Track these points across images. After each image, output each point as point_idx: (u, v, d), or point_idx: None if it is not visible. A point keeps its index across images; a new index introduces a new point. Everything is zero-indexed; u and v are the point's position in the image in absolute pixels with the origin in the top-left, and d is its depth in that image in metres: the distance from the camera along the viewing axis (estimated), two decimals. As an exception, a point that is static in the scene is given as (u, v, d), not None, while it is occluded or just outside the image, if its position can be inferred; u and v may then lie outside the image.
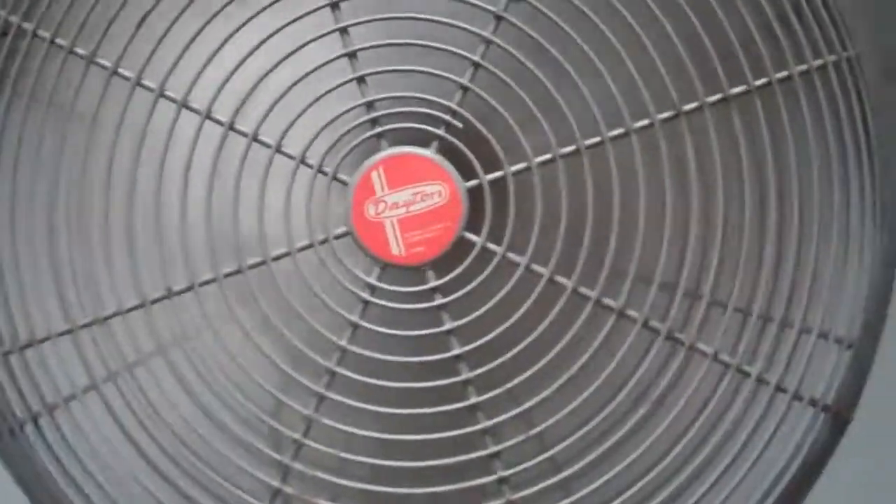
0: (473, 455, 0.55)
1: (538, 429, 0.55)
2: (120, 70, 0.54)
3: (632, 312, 0.55)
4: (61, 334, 0.55)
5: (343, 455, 0.55)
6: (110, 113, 0.55)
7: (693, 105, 0.53)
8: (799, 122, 0.54)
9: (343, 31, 0.53)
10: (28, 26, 0.55)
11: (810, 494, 0.57)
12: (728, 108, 0.54)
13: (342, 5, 0.53)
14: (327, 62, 0.53)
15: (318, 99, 0.53)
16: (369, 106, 0.54)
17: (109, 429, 0.56)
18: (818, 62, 0.54)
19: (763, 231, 0.55)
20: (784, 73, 0.54)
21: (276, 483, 0.55)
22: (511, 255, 0.54)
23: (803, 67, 0.54)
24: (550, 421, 0.55)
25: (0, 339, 0.56)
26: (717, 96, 0.53)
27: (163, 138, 0.54)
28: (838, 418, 0.56)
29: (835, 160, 0.55)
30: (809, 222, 0.55)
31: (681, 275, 0.55)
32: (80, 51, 0.54)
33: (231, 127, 0.54)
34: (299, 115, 0.53)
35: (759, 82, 0.54)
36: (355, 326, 0.54)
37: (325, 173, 0.54)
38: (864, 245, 0.57)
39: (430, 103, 0.53)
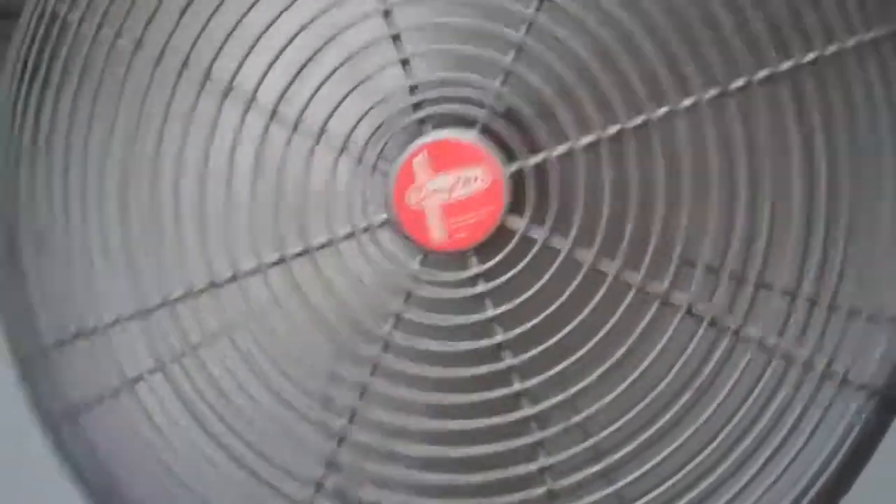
0: (519, 442, 0.54)
1: (580, 416, 0.55)
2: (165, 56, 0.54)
3: (676, 298, 0.54)
4: (110, 325, 0.56)
5: (388, 445, 0.54)
6: (156, 100, 0.55)
7: (741, 82, 0.53)
8: (849, 100, 0.53)
9: (386, 13, 0.53)
10: (74, 16, 0.55)
11: (858, 479, 0.56)
12: (777, 85, 0.53)
13: (385, -10, 0.53)
14: (370, 44, 0.53)
15: (362, 82, 0.53)
16: (413, 89, 0.54)
17: (159, 417, 0.56)
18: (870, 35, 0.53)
19: (812, 212, 0.54)
20: (834, 48, 0.53)
21: (321, 470, 0.55)
22: (553, 242, 0.54)
23: (854, 41, 0.53)
24: (592, 409, 0.54)
25: (52, 330, 0.56)
26: (765, 72, 0.52)
27: (207, 125, 0.54)
28: (888, 402, 0.55)
29: (888, 141, 0.54)
30: (859, 203, 0.54)
31: (726, 259, 0.54)
32: (124, 41, 0.55)
33: (273, 115, 0.54)
34: (341, 101, 0.53)
35: (807, 58, 0.53)
36: (398, 316, 0.54)
37: (366, 161, 0.54)
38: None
39: (472, 86, 0.53)
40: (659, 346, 0.54)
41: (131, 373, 0.56)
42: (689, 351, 0.54)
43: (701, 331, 0.54)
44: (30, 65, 0.56)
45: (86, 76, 0.55)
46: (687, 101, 0.52)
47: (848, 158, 0.53)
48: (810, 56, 0.52)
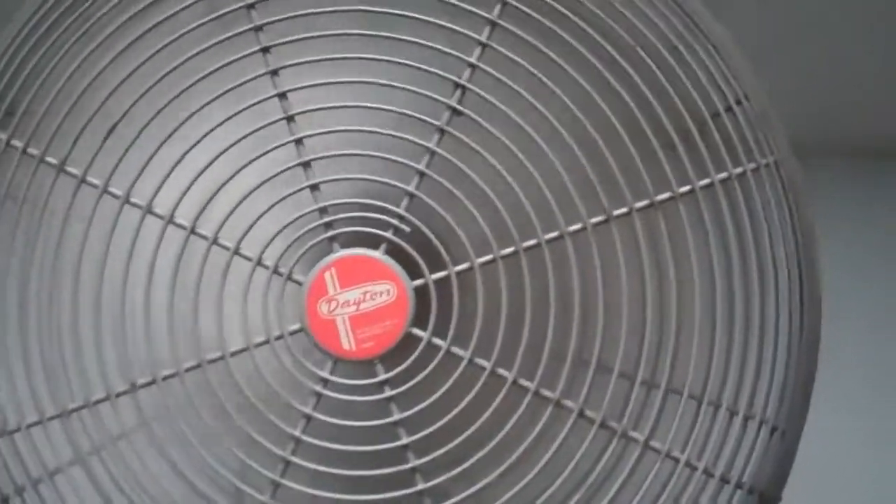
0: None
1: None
2: (88, 178, 0.58)
3: (568, 403, 0.58)
4: (31, 426, 0.58)
5: (298, 540, 0.58)
6: (79, 215, 0.58)
7: (623, 210, 0.58)
8: (739, 219, 0.59)
9: (298, 141, 0.57)
10: (1, 136, 0.58)
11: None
12: (656, 213, 0.58)
13: (297, 118, 0.57)
14: (282, 172, 0.57)
15: (272, 207, 0.57)
16: (322, 211, 0.58)
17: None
18: (740, 169, 0.58)
19: (694, 321, 0.59)
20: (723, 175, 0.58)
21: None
22: (455, 350, 0.58)
23: (740, 170, 0.58)
24: (495, 504, 0.58)
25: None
26: (644, 202, 0.58)
27: (128, 240, 0.57)
28: (765, 499, 0.60)
29: (765, 254, 0.59)
30: (740, 311, 0.59)
31: (614, 366, 0.59)
32: (51, 160, 0.58)
33: (192, 231, 0.57)
34: (255, 222, 0.57)
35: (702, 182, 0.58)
36: (308, 418, 0.58)
37: (280, 274, 0.58)
38: (790, 330, 0.61)
39: (378, 209, 0.57)
40: (553, 447, 0.58)
41: (51, 465, 0.59)
42: (580, 451, 0.58)
43: (591, 433, 0.58)
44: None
45: (12, 188, 0.58)
46: (573, 227, 0.57)
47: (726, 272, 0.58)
48: (705, 181, 0.58)
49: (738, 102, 0.59)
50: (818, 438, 0.65)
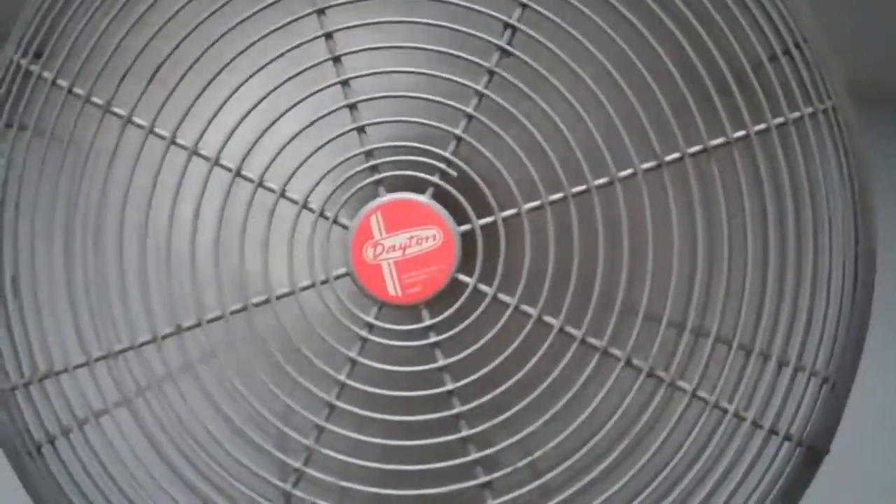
0: (465, 485, 0.58)
1: (526, 460, 0.58)
2: (134, 118, 0.57)
3: (615, 351, 0.57)
4: (77, 367, 0.59)
5: (342, 484, 0.58)
6: (125, 156, 0.58)
7: (675, 156, 0.56)
8: (793, 166, 0.57)
9: (344, 83, 0.56)
10: (48, 75, 0.58)
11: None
12: (709, 158, 0.57)
13: (343, 59, 0.56)
14: (329, 113, 0.56)
15: (319, 148, 0.56)
16: (368, 154, 0.57)
17: (121, 449, 0.59)
18: (796, 114, 0.57)
19: (745, 269, 0.58)
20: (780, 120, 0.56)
21: (279, 508, 0.58)
22: (501, 296, 0.57)
23: (796, 114, 0.57)
24: (538, 453, 0.58)
25: (20, 370, 0.59)
26: (697, 147, 0.56)
27: (174, 182, 0.57)
28: (813, 452, 0.59)
29: (820, 202, 0.58)
30: (792, 260, 0.58)
31: (663, 314, 0.58)
32: (96, 100, 0.58)
33: (238, 173, 0.57)
34: (302, 164, 0.56)
35: (737, 134, 0.56)
36: (353, 362, 0.58)
37: (326, 218, 0.57)
38: (844, 281, 0.59)
39: (425, 152, 0.56)
40: (600, 395, 0.57)
41: (97, 407, 0.59)
42: (627, 400, 0.58)
43: (638, 382, 0.58)
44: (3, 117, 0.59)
45: (57, 129, 0.58)
46: (624, 172, 0.56)
47: (778, 220, 0.57)
48: (760, 126, 0.56)
49: (797, 46, 0.57)
50: (869, 392, 0.64)
